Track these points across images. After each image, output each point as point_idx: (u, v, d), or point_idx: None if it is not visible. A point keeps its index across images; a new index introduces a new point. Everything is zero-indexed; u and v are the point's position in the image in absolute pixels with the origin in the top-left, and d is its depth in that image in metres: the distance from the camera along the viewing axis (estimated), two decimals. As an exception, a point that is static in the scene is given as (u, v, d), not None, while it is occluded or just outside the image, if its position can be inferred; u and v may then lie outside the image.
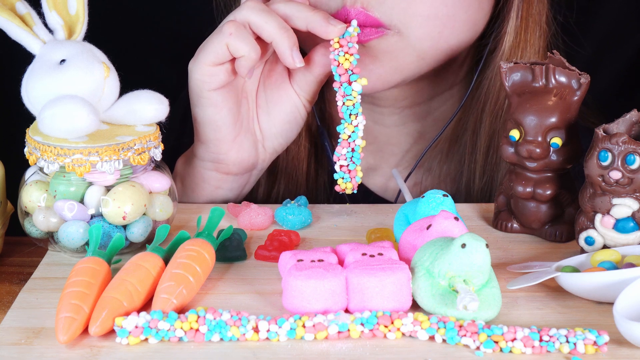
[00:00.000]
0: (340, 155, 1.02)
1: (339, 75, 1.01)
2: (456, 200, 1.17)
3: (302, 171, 1.20)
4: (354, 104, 1.01)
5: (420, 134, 1.22)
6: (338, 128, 1.02)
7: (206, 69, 1.02)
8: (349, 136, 1.01)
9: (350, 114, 1.01)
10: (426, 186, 1.22)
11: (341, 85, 1.01)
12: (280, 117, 1.08)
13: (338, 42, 1.02)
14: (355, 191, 1.03)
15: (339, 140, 1.02)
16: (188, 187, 1.10)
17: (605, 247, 0.93)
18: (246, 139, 1.07)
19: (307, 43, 1.09)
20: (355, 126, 1.01)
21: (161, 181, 0.97)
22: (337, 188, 1.03)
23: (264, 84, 1.08)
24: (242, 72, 1.02)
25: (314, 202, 1.18)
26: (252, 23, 1.02)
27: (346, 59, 1.01)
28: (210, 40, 1.02)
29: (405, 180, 1.17)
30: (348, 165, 1.02)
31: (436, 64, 1.11)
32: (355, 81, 1.01)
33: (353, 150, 1.02)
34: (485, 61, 1.15)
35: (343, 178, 1.02)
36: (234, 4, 1.17)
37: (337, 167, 1.02)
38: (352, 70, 1.01)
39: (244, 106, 1.07)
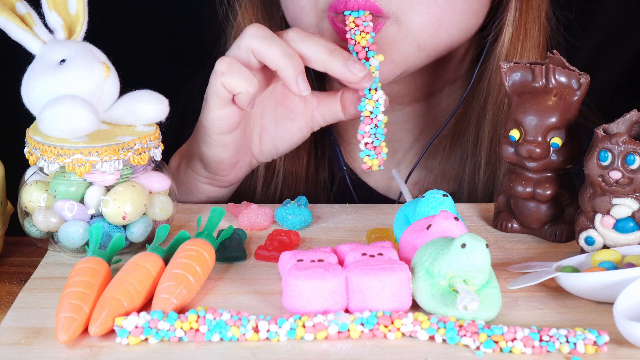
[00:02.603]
0: (364, 133, 1.02)
1: (356, 52, 1.02)
2: (457, 198, 1.18)
3: (302, 169, 1.20)
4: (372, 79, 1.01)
5: (422, 131, 1.22)
6: (359, 106, 1.02)
7: (217, 113, 1.01)
8: (371, 112, 1.02)
9: (369, 89, 1.01)
10: (427, 185, 1.22)
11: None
12: (285, 145, 1.08)
13: (354, 21, 1.03)
14: (382, 167, 1.03)
15: (361, 119, 1.02)
16: (182, 191, 1.11)
17: (605, 247, 0.93)
18: (244, 161, 1.08)
19: None
20: (375, 101, 1.02)
21: (161, 181, 0.97)
22: (363, 167, 1.03)
23: (276, 108, 1.07)
24: (243, 106, 1.00)
25: (314, 201, 1.18)
26: (254, 51, 1.00)
27: (362, 37, 1.02)
28: (210, 83, 1.01)
29: (407, 178, 1.17)
30: (372, 142, 1.02)
31: (437, 56, 1.11)
32: (372, 57, 1.01)
33: (376, 126, 1.02)
34: (486, 53, 1.15)
35: (369, 155, 1.02)
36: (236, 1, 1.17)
37: (361, 146, 1.02)
38: (368, 47, 1.01)
39: (248, 130, 1.07)
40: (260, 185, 1.19)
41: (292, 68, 0.99)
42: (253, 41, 0.99)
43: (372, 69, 1.02)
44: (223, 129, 1.02)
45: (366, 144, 1.02)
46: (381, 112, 1.02)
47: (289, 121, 1.07)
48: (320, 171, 1.22)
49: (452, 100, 1.21)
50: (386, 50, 1.07)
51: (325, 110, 1.07)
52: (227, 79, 0.99)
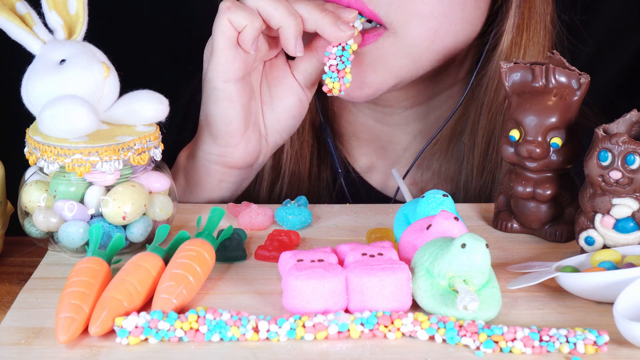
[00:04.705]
0: (330, 54, 1.02)
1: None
2: (454, 198, 1.17)
3: (305, 168, 1.20)
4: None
5: (422, 133, 1.22)
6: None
7: (223, 56, 1.02)
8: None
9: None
10: (425, 185, 1.22)
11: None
12: (285, 112, 1.08)
13: None
14: (342, 92, 1.03)
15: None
16: (191, 181, 1.10)
17: (605, 247, 0.93)
18: (253, 133, 1.07)
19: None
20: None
21: (161, 181, 0.97)
22: (324, 88, 1.03)
23: (267, 79, 1.08)
24: (247, 44, 1.01)
25: (316, 199, 1.18)
26: (261, 9, 1.02)
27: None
28: (215, 23, 1.03)
29: (403, 177, 1.17)
30: (337, 64, 1.02)
31: (432, 66, 1.11)
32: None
33: (343, 49, 1.02)
34: (484, 59, 1.15)
35: (331, 78, 1.02)
36: None
37: (326, 68, 1.02)
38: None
39: (253, 102, 1.07)
40: (266, 187, 1.19)
41: (295, 28, 1.01)
42: (260, 0, 1.02)
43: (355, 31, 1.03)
44: (228, 75, 1.03)
45: (330, 65, 1.02)
46: (352, 39, 1.02)
47: (279, 85, 1.08)
48: (323, 170, 1.22)
49: (452, 103, 1.21)
50: (379, 63, 1.08)
51: (305, 64, 1.08)
52: (233, 13, 1.01)
